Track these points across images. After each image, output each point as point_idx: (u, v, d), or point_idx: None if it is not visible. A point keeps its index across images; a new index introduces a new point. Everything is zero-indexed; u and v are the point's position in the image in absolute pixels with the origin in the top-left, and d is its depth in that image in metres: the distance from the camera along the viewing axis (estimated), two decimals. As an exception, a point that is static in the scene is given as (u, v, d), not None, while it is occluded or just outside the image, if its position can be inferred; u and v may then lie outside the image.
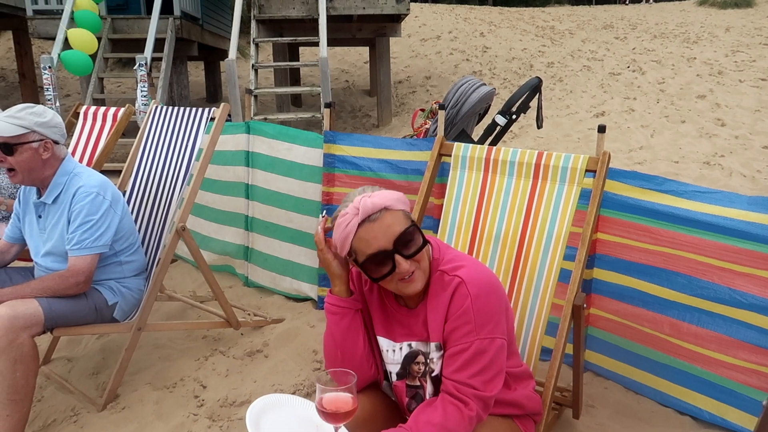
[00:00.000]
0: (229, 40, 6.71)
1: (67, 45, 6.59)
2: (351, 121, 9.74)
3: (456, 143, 2.24)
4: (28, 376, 2.10)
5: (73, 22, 6.75)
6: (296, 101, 10.71)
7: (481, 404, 1.42)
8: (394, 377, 1.58)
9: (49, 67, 6.47)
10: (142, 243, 2.69)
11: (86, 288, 2.29)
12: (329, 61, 12.80)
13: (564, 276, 2.02)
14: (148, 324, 2.53)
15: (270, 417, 1.37)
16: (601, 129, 2.28)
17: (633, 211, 2.38)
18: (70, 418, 2.37)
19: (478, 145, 2.20)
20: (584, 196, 2.10)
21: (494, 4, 22.01)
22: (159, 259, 2.58)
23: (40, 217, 2.38)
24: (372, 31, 8.86)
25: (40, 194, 2.38)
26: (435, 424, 1.38)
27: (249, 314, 3.14)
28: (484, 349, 1.43)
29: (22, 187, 2.48)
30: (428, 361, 1.52)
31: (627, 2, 23.87)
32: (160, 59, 7.17)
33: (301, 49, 11.29)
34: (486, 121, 4.39)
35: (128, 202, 2.85)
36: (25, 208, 2.46)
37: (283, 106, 8.53)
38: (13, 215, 2.53)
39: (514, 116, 3.50)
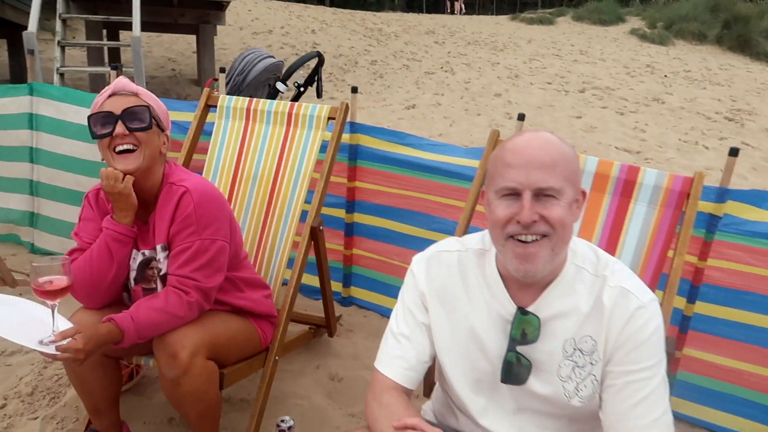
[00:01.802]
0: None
1: None
2: (175, 108, 9.52)
3: (221, 95, 2.48)
4: None
5: None
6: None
7: (201, 294, 1.64)
8: (132, 282, 1.76)
9: None
10: None
11: None
12: (154, 49, 12.34)
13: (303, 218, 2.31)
14: None
15: None
16: (354, 90, 2.65)
17: (381, 161, 2.80)
18: None
19: (241, 97, 2.46)
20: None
21: (331, 5, 22.61)
22: None
23: None
24: (195, 18, 8.77)
25: None
26: (156, 308, 1.58)
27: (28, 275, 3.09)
28: (206, 248, 1.66)
29: None
30: (156, 262, 1.72)
31: (457, 12, 25.54)
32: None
33: (123, 33, 10.76)
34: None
35: None
36: None
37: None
38: None
39: (301, 88, 3.81)
